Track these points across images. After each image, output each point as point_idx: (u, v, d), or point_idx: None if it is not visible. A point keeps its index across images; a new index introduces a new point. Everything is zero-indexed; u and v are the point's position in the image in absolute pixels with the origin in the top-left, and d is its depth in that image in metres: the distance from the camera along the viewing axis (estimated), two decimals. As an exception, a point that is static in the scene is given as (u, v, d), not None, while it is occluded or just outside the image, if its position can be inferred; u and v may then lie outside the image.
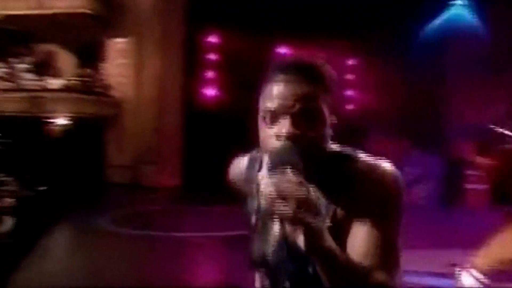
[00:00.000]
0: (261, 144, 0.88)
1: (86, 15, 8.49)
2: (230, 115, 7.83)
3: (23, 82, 8.60)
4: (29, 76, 8.71)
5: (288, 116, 0.82)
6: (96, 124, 8.59)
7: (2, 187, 5.44)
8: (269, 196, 0.71)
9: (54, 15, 8.57)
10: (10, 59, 9.00)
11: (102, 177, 8.41)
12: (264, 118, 0.86)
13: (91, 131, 8.42)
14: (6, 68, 8.85)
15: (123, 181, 8.36)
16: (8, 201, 5.01)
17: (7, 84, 8.51)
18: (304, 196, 0.70)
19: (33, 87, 8.37)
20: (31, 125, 7.89)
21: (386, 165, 0.86)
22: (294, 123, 0.82)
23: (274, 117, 0.84)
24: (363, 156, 0.88)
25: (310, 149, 0.81)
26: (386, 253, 0.80)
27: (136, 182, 8.46)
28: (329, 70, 0.89)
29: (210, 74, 9.10)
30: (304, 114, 0.82)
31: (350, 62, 9.24)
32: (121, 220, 5.88)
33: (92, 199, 7.15)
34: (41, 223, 4.98)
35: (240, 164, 1.06)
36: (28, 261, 3.72)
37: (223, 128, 8.07)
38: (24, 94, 8.24)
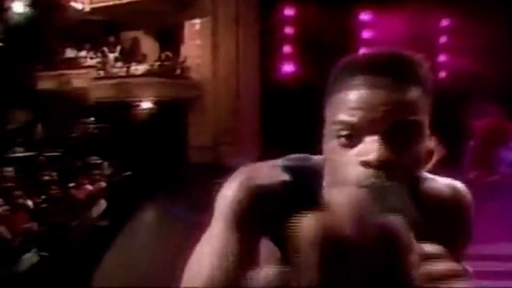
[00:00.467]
0: (331, 171, 0.65)
1: (164, 0, 8.69)
2: (310, 92, 7.61)
3: (113, 70, 9.18)
4: (118, 63, 9.26)
5: (377, 134, 0.60)
6: (177, 107, 8.88)
7: (95, 170, 5.90)
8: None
9: (136, 2, 8.93)
10: (102, 49, 9.67)
11: (184, 158, 8.72)
12: (339, 135, 0.62)
13: (173, 113, 8.73)
14: (98, 57, 9.54)
15: (204, 162, 8.57)
16: (101, 185, 5.34)
17: (99, 73, 9.16)
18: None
19: (120, 74, 8.88)
20: (119, 110, 8.41)
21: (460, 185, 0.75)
22: (387, 144, 0.59)
23: (355, 134, 0.61)
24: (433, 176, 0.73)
25: (409, 179, 0.60)
26: None
27: (216, 163, 8.61)
28: (426, 65, 0.66)
29: (287, 49, 8.78)
30: (399, 130, 0.60)
31: (444, 23, 8.14)
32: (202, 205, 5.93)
33: (175, 181, 7.39)
34: (129, 206, 5.06)
35: (271, 175, 0.70)
36: (115, 246, 3.89)
37: (302, 106, 7.87)
38: (113, 81, 8.79)
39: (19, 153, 8.43)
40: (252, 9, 8.72)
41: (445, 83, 7.48)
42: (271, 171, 0.70)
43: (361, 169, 0.58)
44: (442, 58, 8.01)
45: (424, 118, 0.63)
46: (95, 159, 6.38)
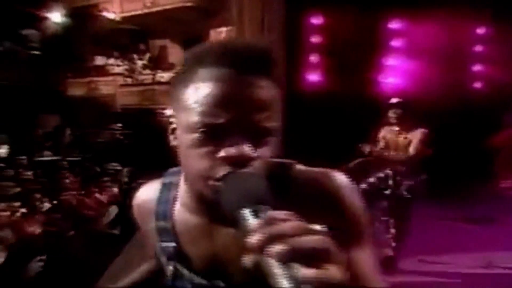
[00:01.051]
0: (187, 169, 0.68)
1: (191, 8, 8.73)
2: (336, 103, 7.31)
3: (140, 77, 9.28)
4: (145, 71, 9.35)
5: (234, 131, 0.62)
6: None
7: (112, 176, 5.88)
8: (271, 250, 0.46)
9: (164, 11, 9.01)
10: (130, 56, 9.82)
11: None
12: (196, 132, 0.64)
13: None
14: (126, 65, 9.68)
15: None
16: (114, 191, 5.27)
17: (126, 80, 9.27)
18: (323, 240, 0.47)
19: (147, 81, 8.95)
20: (144, 116, 8.45)
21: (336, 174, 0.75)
22: (250, 141, 0.63)
23: (219, 133, 0.63)
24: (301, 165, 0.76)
25: (273, 170, 0.66)
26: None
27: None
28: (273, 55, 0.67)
29: (313, 58, 8.52)
30: (264, 131, 0.64)
31: (479, 31, 7.76)
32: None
33: None
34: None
35: (148, 192, 0.83)
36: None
37: (327, 117, 7.47)
38: (139, 88, 8.86)
39: (47, 156, 8.62)
40: (278, 17, 8.59)
41: (480, 93, 7.10)
42: (149, 188, 0.84)
43: (219, 163, 0.61)
44: (477, 67, 7.62)
45: (276, 111, 0.65)
46: (115, 166, 6.37)
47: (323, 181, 0.72)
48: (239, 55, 0.63)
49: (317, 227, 0.49)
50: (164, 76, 8.95)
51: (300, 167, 0.75)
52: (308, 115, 7.86)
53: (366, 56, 7.41)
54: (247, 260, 0.48)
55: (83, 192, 5.16)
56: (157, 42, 10.44)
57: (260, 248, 0.47)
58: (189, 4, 8.63)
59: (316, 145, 7.77)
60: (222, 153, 0.62)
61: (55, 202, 3.94)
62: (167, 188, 0.80)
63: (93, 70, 10.08)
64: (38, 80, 11.09)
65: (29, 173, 6.05)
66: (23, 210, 3.90)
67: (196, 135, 0.63)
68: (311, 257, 0.45)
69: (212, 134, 0.63)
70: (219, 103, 0.61)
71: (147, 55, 9.61)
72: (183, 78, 0.67)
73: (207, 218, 0.71)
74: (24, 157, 7.03)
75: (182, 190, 0.76)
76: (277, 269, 0.46)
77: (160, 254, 0.77)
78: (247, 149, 0.62)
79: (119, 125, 9.98)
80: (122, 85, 9.22)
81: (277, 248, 0.46)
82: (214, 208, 0.61)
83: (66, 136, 9.47)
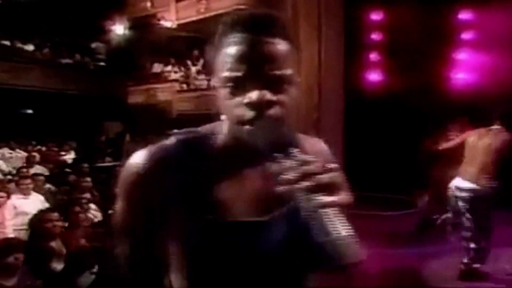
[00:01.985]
0: (228, 117, 0.82)
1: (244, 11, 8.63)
2: (398, 104, 6.91)
3: (195, 82, 9.33)
4: (200, 76, 9.39)
5: (257, 83, 0.76)
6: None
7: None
8: (299, 187, 0.66)
9: (219, 15, 8.99)
10: (187, 62, 9.93)
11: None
12: (226, 86, 0.79)
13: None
14: (182, 71, 9.80)
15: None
16: None
17: (182, 86, 9.37)
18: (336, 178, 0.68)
19: (202, 87, 8.97)
20: (199, 122, 8.41)
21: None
22: (265, 89, 0.76)
23: (241, 85, 0.77)
24: None
25: (287, 117, 0.79)
26: None
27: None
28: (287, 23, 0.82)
29: (374, 56, 8.09)
30: (274, 80, 0.77)
31: None
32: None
33: None
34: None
35: (161, 151, 0.88)
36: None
37: (388, 118, 7.08)
38: (194, 94, 8.90)
39: (108, 162, 8.90)
40: (336, 14, 8.23)
41: None
42: (160, 149, 0.88)
43: (246, 108, 0.76)
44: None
45: (293, 69, 0.80)
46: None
47: (316, 142, 0.99)
48: (253, 22, 0.79)
49: (333, 165, 0.69)
50: (218, 81, 8.91)
51: (301, 135, 0.92)
52: (368, 115, 7.47)
53: (431, 51, 6.89)
54: (282, 192, 0.66)
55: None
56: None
57: (294, 183, 0.65)
58: (242, 6, 8.54)
59: (377, 146, 7.32)
60: (246, 100, 0.76)
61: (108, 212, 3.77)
62: (188, 143, 0.87)
63: (151, 78, 10.32)
64: (102, 89, 11.67)
65: (89, 179, 6.16)
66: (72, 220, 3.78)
67: (226, 88, 0.78)
68: (330, 188, 0.65)
69: (237, 86, 0.77)
70: (239, 59, 0.76)
71: (201, 61, 9.66)
72: (215, 45, 0.82)
73: (242, 161, 0.83)
74: (86, 164, 7.24)
75: (217, 139, 0.86)
76: (306, 200, 0.64)
77: (195, 207, 0.81)
78: (266, 94, 0.75)
79: (175, 131, 10.10)
80: (178, 91, 9.32)
81: (307, 183, 0.65)
82: (248, 150, 0.76)
83: (125, 142, 9.74)
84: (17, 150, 9.00)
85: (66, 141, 10.35)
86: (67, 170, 7.25)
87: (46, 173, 6.98)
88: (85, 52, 12.70)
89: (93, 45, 13.07)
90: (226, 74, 0.77)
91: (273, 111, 0.74)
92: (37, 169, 6.92)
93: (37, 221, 3.17)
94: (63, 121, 11.24)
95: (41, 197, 4.43)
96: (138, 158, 0.87)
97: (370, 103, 7.62)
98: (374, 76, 8.11)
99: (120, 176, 0.86)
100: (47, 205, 4.11)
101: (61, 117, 11.33)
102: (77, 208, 3.61)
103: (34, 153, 8.17)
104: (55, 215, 3.18)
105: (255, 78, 0.75)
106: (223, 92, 0.78)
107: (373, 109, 7.55)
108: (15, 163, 7.90)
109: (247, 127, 0.75)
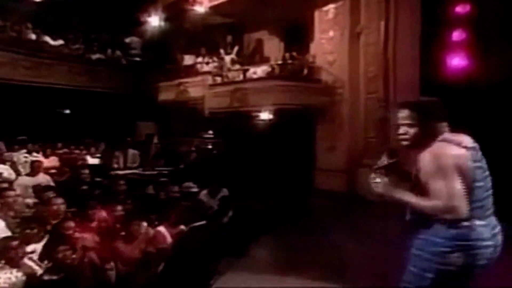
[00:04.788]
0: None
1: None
2: (487, 93, 5.72)
3: (230, 74, 7.89)
4: (235, 66, 7.96)
5: None
6: (304, 117, 7.02)
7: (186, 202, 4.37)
8: None
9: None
10: (219, 51, 8.54)
11: (311, 182, 6.78)
12: None
13: (298, 125, 6.91)
14: (215, 62, 8.41)
15: (336, 189, 6.48)
16: (181, 229, 3.84)
17: (215, 79, 7.96)
18: None
19: (237, 79, 7.49)
20: (235, 121, 6.97)
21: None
22: None
23: None
24: None
25: None
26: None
27: (353, 191, 6.42)
28: None
29: (457, 37, 6.46)
30: None
31: None
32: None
33: (301, 212, 5.63)
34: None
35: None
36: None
37: (475, 109, 5.67)
38: (229, 88, 7.45)
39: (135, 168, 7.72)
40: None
41: None
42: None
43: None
44: None
45: None
46: (191, 187, 4.85)
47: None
48: None
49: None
50: (257, 71, 7.35)
51: None
52: (450, 107, 5.76)
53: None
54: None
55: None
56: (253, 36, 9.02)
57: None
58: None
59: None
60: None
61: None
62: None
63: (182, 71, 9.04)
64: (135, 86, 10.70)
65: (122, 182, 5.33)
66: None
67: None
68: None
69: None
70: None
71: (236, 48, 8.19)
72: None
73: None
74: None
75: None
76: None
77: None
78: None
79: (210, 132, 8.77)
80: (211, 85, 7.90)
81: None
82: None
83: (152, 145, 8.52)
84: (34, 154, 8.10)
85: (95, 143, 9.38)
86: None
87: (51, 183, 5.94)
88: (118, 46, 11.76)
89: (127, 39, 12.13)
90: None
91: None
92: (41, 179, 5.85)
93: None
94: (91, 121, 10.30)
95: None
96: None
97: (453, 93, 6.01)
98: (458, 61, 6.46)
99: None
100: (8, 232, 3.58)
101: (89, 116, 10.40)
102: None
103: (42, 159, 7.20)
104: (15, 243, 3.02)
105: None
106: None
107: (457, 99, 5.88)
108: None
109: None
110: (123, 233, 3.49)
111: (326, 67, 7.11)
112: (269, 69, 7.10)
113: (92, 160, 8.61)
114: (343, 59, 6.96)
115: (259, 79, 7.01)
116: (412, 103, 1.94)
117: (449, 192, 1.69)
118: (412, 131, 1.83)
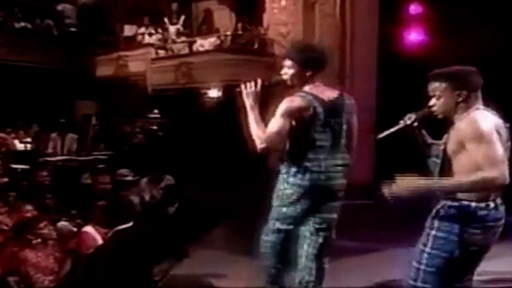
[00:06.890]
0: None
1: None
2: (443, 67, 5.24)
3: (175, 46, 7.19)
4: (181, 38, 7.26)
5: None
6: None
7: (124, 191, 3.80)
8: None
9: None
10: (164, 20, 7.76)
11: (266, 165, 6.38)
12: None
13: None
14: (160, 33, 7.63)
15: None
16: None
17: (158, 52, 7.23)
18: None
19: (183, 52, 6.83)
20: (179, 99, 6.34)
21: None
22: None
23: None
24: None
25: None
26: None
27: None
28: None
29: (414, 9, 6.32)
30: None
31: None
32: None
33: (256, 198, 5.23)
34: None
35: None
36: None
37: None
38: (173, 62, 6.78)
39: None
40: None
41: None
42: None
43: None
44: None
45: None
46: (125, 175, 4.26)
47: None
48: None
49: None
50: (205, 44, 6.71)
51: None
52: (406, 84, 5.77)
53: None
54: None
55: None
56: (201, 5, 8.31)
57: None
58: None
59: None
60: None
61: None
62: None
63: (122, 43, 8.20)
64: (69, 60, 9.68)
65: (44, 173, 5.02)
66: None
67: None
68: None
69: None
70: None
71: (182, 18, 7.46)
72: None
73: None
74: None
75: None
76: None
77: None
78: None
79: (156, 111, 8.08)
80: (154, 59, 7.16)
81: None
82: None
83: (90, 127, 7.73)
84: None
85: (26, 126, 8.39)
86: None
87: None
88: (48, 15, 10.51)
89: (59, 7, 10.89)
90: None
91: None
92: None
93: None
94: (19, 100, 9.20)
95: None
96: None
97: (411, 69, 5.73)
98: (415, 36, 6.30)
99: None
100: None
101: (16, 95, 9.27)
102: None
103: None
104: None
105: None
106: None
107: (414, 75, 5.71)
108: None
109: None
110: (31, 238, 2.91)
111: (279, 40, 6.63)
112: (218, 42, 6.50)
113: (20, 146, 7.76)
114: (297, 32, 6.50)
115: (206, 52, 6.40)
116: (445, 73, 1.88)
117: (494, 157, 1.59)
118: (444, 101, 1.79)
